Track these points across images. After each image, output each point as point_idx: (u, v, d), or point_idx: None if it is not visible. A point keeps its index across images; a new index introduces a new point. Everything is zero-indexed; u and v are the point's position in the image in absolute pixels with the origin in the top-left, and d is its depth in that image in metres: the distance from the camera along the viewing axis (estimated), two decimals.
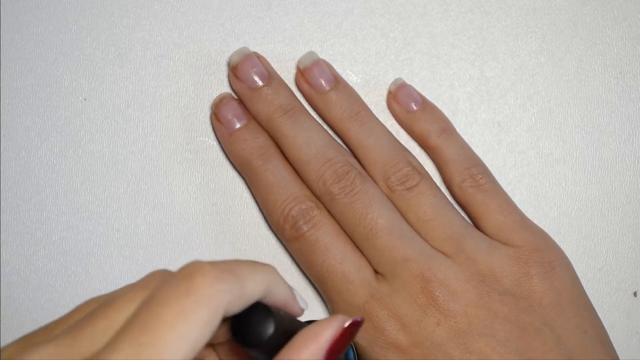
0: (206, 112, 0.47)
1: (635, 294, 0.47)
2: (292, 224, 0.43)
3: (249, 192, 0.47)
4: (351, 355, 0.42)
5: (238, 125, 0.45)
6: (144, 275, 0.46)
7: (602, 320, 0.44)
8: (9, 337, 0.46)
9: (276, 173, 0.44)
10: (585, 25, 0.48)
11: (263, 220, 0.46)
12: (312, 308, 0.46)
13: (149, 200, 0.46)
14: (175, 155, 0.47)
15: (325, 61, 0.47)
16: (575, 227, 0.47)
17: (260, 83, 0.45)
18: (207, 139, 0.47)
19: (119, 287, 0.46)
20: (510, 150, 0.48)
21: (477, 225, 0.45)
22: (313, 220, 0.43)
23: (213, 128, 0.46)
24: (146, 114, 0.47)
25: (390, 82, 0.47)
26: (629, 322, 0.47)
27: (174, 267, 0.46)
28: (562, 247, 0.45)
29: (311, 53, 0.47)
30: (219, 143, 0.46)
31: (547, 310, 0.42)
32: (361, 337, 0.42)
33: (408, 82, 0.47)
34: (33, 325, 0.45)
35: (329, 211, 0.45)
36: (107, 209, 0.46)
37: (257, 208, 0.47)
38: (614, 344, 0.44)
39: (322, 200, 0.45)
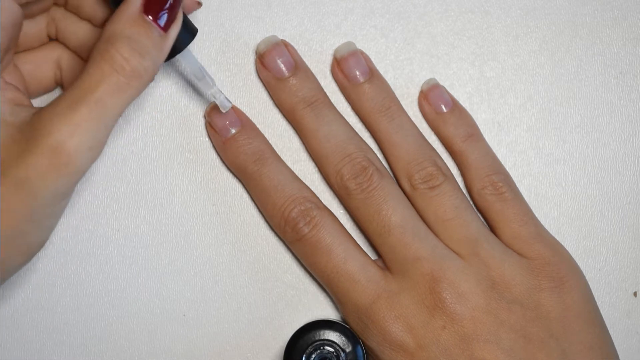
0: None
1: (635, 294, 0.47)
2: (293, 226, 0.43)
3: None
4: (360, 354, 0.42)
5: (232, 132, 0.45)
6: (144, 275, 0.46)
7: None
8: (9, 337, 0.46)
9: (272, 177, 0.44)
10: (585, 25, 0.48)
11: (263, 220, 0.46)
12: (320, 309, 0.46)
13: (149, 200, 0.47)
14: (175, 155, 0.47)
15: (362, 52, 0.47)
16: (575, 227, 0.47)
17: (286, 73, 0.45)
18: (207, 139, 0.47)
19: (119, 287, 0.46)
20: (510, 150, 0.48)
21: (494, 233, 0.45)
22: (313, 221, 0.43)
23: (208, 135, 0.46)
24: (146, 114, 0.47)
25: (390, 82, 0.47)
26: (629, 322, 0.47)
27: (174, 267, 0.46)
28: None
29: (349, 43, 0.46)
30: (216, 150, 0.46)
31: (554, 324, 0.42)
32: (369, 338, 0.42)
33: (408, 82, 0.47)
34: (33, 325, 0.46)
35: (345, 206, 0.46)
36: (107, 209, 0.46)
37: (257, 208, 0.47)
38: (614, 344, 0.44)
39: (339, 195, 0.45)
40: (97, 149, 0.36)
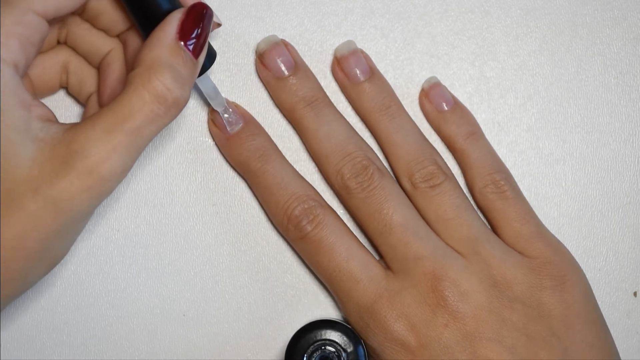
0: (206, 112, 0.47)
1: (635, 294, 0.47)
2: (296, 224, 0.43)
3: (248, 192, 0.47)
4: (362, 354, 0.42)
5: (235, 129, 0.45)
6: (144, 275, 0.46)
7: None
8: (9, 337, 0.46)
9: (275, 174, 0.44)
10: (585, 25, 0.48)
11: (263, 220, 0.46)
12: (321, 309, 0.46)
13: (149, 200, 0.46)
14: (175, 155, 0.47)
15: (362, 51, 0.47)
16: (575, 227, 0.47)
17: (285, 72, 0.45)
18: (207, 139, 0.47)
19: (119, 287, 0.46)
20: (510, 150, 0.48)
21: (494, 232, 0.45)
22: (317, 220, 0.43)
23: (210, 133, 0.46)
24: None
25: (390, 82, 0.47)
26: (629, 322, 0.47)
27: (174, 267, 0.46)
28: None
29: (349, 42, 0.46)
30: (218, 148, 0.46)
31: (556, 322, 0.42)
32: (371, 338, 0.42)
33: (408, 82, 0.47)
34: (33, 325, 0.46)
35: (345, 206, 0.46)
36: (107, 209, 0.46)
37: (257, 208, 0.47)
38: None
39: (339, 194, 0.45)
40: (127, 171, 0.37)
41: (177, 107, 0.38)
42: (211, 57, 0.41)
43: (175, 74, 0.37)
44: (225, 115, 0.44)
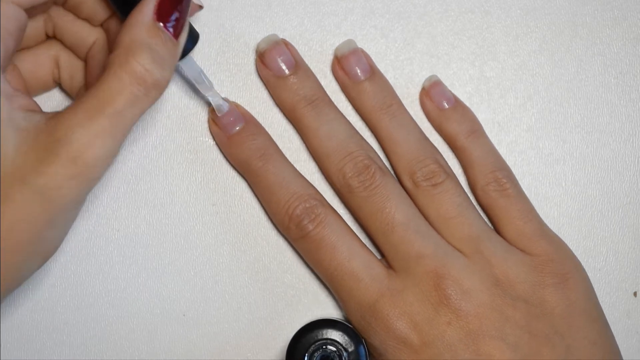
0: (206, 112, 0.47)
1: (635, 294, 0.47)
2: (297, 223, 0.43)
3: (248, 192, 0.47)
4: (363, 353, 0.42)
5: (236, 129, 0.45)
6: (144, 275, 0.46)
7: None
8: (9, 337, 0.46)
9: (277, 173, 0.44)
10: (585, 25, 0.48)
11: (263, 220, 0.46)
12: (321, 309, 0.46)
13: (149, 200, 0.46)
14: (175, 155, 0.47)
15: (363, 50, 0.47)
16: (575, 227, 0.47)
17: (286, 71, 0.45)
18: (207, 139, 0.47)
19: (119, 287, 0.46)
20: (510, 150, 0.48)
21: (496, 230, 0.45)
22: (318, 219, 0.43)
23: (211, 133, 0.46)
24: (146, 114, 0.46)
25: (390, 82, 0.47)
26: (629, 322, 0.47)
27: (174, 267, 0.46)
28: None
29: (350, 41, 0.46)
30: (219, 148, 0.46)
31: (558, 320, 0.42)
32: (373, 337, 0.42)
33: (408, 82, 0.47)
34: (33, 325, 0.46)
35: (347, 205, 0.46)
36: (107, 209, 0.46)
37: (257, 208, 0.47)
38: None
39: (340, 193, 0.45)
40: (113, 157, 0.37)
41: (157, 89, 0.37)
42: (194, 38, 0.41)
43: (154, 54, 0.37)
44: (214, 100, 0.44)
